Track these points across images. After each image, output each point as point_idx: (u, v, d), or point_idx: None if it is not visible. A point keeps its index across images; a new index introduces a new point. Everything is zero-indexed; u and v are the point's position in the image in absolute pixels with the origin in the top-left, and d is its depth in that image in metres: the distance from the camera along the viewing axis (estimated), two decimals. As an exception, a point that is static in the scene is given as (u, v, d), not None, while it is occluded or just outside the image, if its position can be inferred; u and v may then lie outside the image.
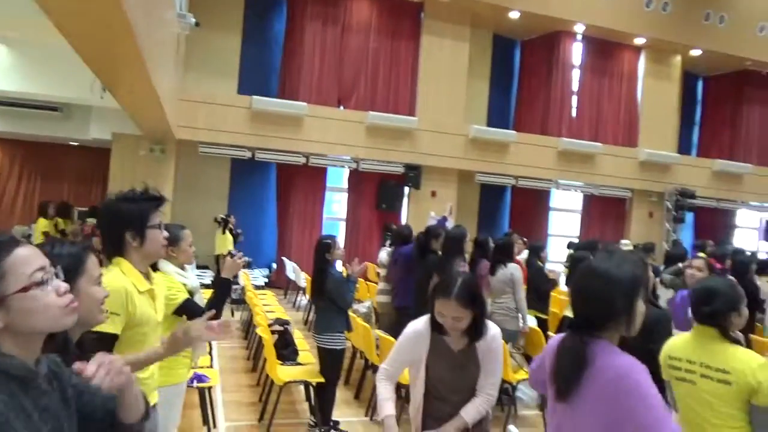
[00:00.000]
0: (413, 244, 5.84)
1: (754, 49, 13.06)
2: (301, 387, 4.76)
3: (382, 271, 6.71)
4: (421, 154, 11.21)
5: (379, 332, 4.95)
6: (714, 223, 14.31)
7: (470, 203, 12.39)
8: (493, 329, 2.33)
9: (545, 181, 12.32)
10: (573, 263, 5.95)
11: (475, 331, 2.25)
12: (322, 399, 4.23)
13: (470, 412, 2.30)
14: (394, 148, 11.05)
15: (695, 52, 12.97)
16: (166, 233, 2.24)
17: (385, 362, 2.45)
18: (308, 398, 4.56)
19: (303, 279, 8.83)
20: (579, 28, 12.25)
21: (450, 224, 7.12)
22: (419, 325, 2.37)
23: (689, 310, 4.10)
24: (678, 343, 2.43)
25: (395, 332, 5.58)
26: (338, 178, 12.05)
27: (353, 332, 4.87)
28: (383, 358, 4.65)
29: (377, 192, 11.35)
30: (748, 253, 8.65)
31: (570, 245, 10.88)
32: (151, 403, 2.15)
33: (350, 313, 4.56)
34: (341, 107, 11.20)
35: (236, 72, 10.94)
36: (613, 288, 1.64)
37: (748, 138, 14.15)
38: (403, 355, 2.38)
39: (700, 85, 14.79)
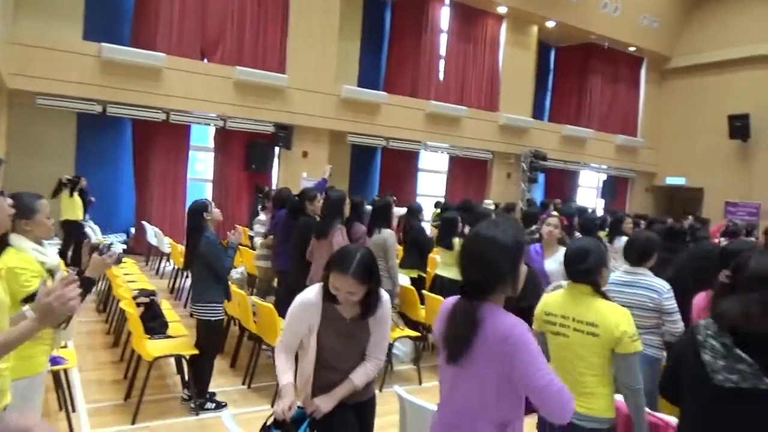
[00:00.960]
0: (286, 207, 5.70)
1: (598, 24, 14.27)
2: (172, 360, 4.48)
3: (259, 237, 6.48)
4: (292, 113, 10.90)
5: (256, 299, 4.78)
6: (561, 183, 15.72)
7: (342, 164, 12.36)
8: (384, 295, 2.33)
9: (414, 142, 12.63)
10: (443, 223, 6.21)
11: (369, 306, 2.26)
12: (197, 372, 4.01)
13: (360, 377, 2.31)
14: (264, 107, 10.61)
15: (550, 24, 13.87)
16: (10, 200, 1.90)
17: (281, 335, 2.39)
18: (180, 371, 4.31)
19: (167, 244, 8.29)
20: (447, -7, 12.52)
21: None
22: (310, 294, 2.31)
23: (544, 263, 4.47)
24: (553, 300, 2.58)
25: (280, 298, 5.51)
26: (203, 137, 11.35)
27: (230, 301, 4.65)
28: (261, 326, 4.56)
29: (246, 152, 10.88)
30: (590, 211, 9.62)
31: (437, 204, 11.41)
32: (2, 406, 1.84)
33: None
34: (205, 60, 10.46)
35: (81, 15, 9.72)
36: (500, 253, 1.73)
37: (591, 106, 15.57)
38: (296, 326, 2.31)
39: (552, 54, 15.92)
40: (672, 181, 16.21)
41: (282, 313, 3.25)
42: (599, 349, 2.38)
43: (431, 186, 13.98)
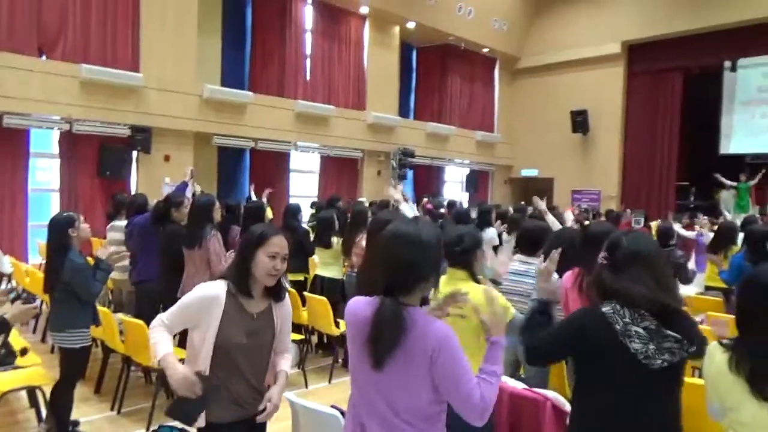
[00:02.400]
0: (149, 213, 5.30)
1: (455, 26, 15.02)
2: (23, 393, 3.95)
3: (113, 247, 5.94)
4: (149, 114, 10.15)
5: (123, 316, 4.38)
6: (429, 179, 16.36)
7: (208, 167, 11.78)
8: (286, 283, 2.40)
9: (284, 143, 12.39)
10: (319, 222, 6.15)
11: (279, 290, 2.27)
12: (57, 403, 3.57)
13: (287, 363, 2.35)
14: (117, 108, 9.77)
15: (410, 25, 14.33)
16: None
17: (164, 315, 2.21)
18: (34, 404, 3.82)
19: (7, 264, 7.34)
20: (309, -9, 12.42)
21: (191, 189, 6.62)
22: (215, 289, 2.19)
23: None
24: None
25: (137, 309, 5.08)
26: (45, 143, 10.19)
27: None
28: (130, 344, 4.17)
29: (99, 157, 9.94)
30: (458, 204, 10.08)
31: (313, 204, 11.31)
32: None
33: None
34: (44, 57, 9.40)
35: None
36: (424, 253, 1.71)
37: (451, 104, 16.36)
38: (187, 314, 2.19)
39: (414, 55, 16.49)
40: (526, 172, 17.56)
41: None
42: (469, 331, 2.47)
43: (304, 186, 13.82)
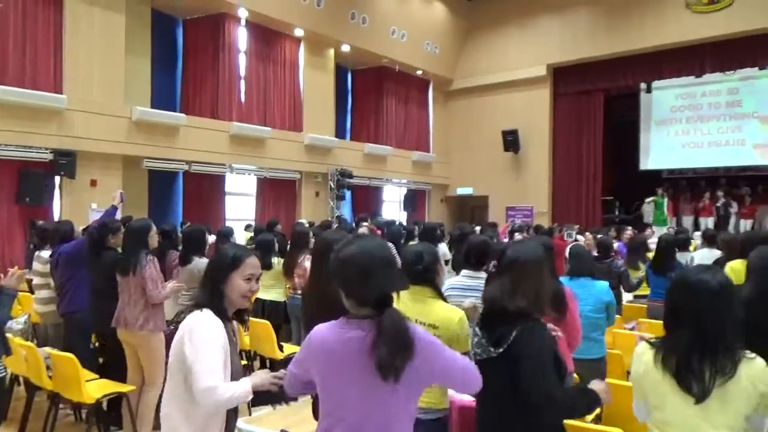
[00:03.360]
0: (83, 241, 5.01)
1: (389, 49, 15.30)
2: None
3: (38, 278, 5.58)
4: (74, 138, 9.69)
5: (50, 350, 4.09)
6: (368, 199, 16.42)
7: (139, 191, 11.33)
8: None
9: (219, 165, 12.12)
10: (259, 245, 6.02)
11: (246, 314, 2.27)
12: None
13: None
14: (38, 131, 9.27)
15: (345, 47, 14.47)
16: None
17: (209, 376, 1.98)
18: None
19: None
20: (242, 13, 12.31)
21: (120, 214, 6.33)
22: (215, 322, 2.07)
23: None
24: (401, 305, 2.66)
25: (67, 341, 4.77)
26: (-43, 169, 9.50)
27: (12, 356, 3.90)
28: (59, 380, 3.89)
29: (18, 183, 9.37)
30: (397, 223, 10.15)
31: (248, 227, 11.08)
32: None
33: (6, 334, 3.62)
34: (-45, 78, 8.81)
35: None
36: (391, 270, 1.77)
37: (387, 125, 16.56)
38: (218, 354, 2.05)
39: (349, 77, 16.63)
40: (462, 191, 17.96)
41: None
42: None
43: (240, 209, 13.53)
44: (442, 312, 2.58)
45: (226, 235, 6.00)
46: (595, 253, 5.75)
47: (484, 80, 17.02)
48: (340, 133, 15.50)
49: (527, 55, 16.15)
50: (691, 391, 1.83)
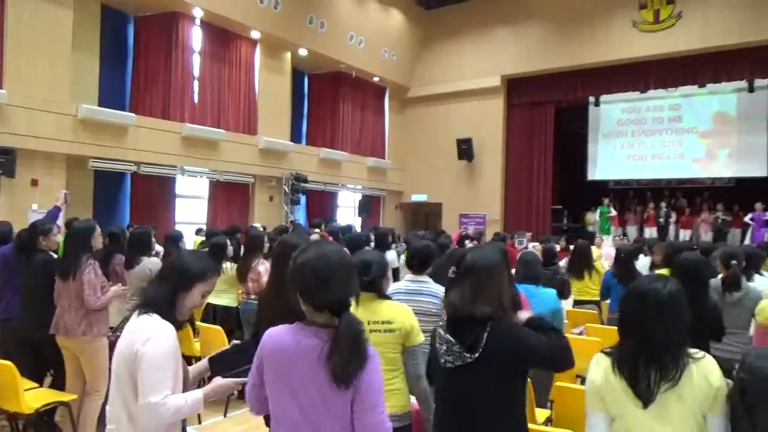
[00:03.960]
0: (12, 243, 4.78)
1: (346, 55, 15.30)
2: None
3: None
4: (14, 135, 9.24)
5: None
6: (323, 204, 16.33)
7: (83, 192, 10.90)
8: None
9: (169, 167, 11.80)
10: (212, 248, 5.88)
11: (183, 325, 2.22)
12: None
13: None
14: (-25, 127, 8.82)
15: (302, 51, 14.38)
16: None
17: (163, 389, 1.96)
18: None
19: None
20: (197, 13, 12.07)
21: (63, 215, 6.07)
22: (167, 327, 2.02)
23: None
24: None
25: (3, 349, 4.51)
26: None
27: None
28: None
29: (-48, 182, 8.88)
30: (354, 229, 10.12)
31: (199, 231, 10.82)
32: None
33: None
34: None
35: None
36: (349, 276, 1.77)
37: (343, 130, 16.54)
38: (175, 367, 2.04)
39: (306, 81, 16.53)
40: (416, 198, 18.10)
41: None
42: (394, 344, 2.57)
43: (191, 212, 13.21)
44: (392, 308, 2.62)
45: (174, 239, 5.83)
46: (565, 260, 5.90)
47: (440, 89, 17.24)
48: (295, 137, 15.38)
49: (482, 66, 16.47)
50: (641, 396, 1.87)
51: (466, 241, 8.61)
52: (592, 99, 16.51)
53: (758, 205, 13.17)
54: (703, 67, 13.88)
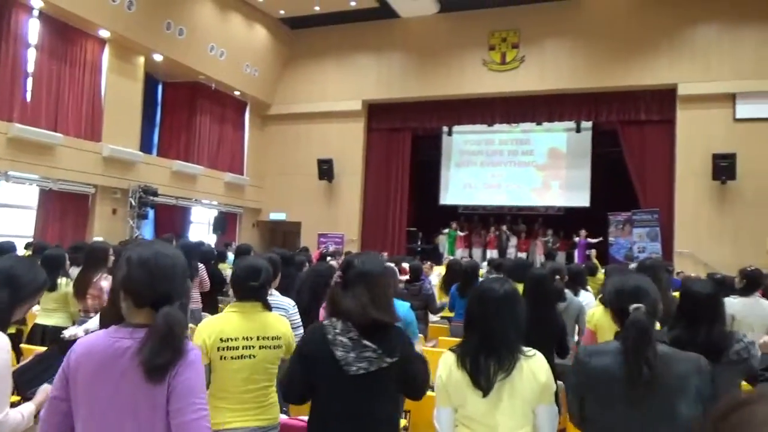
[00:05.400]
0: None
1: (206, 66, 14.74)
2: None
3: None
4: None
5: None
6: (173, 219, 15.38)
7: None
8: None
9: (-8, 171, 10.38)
10: (44, 261, 5.23)
11: None
12: None
13: None
14: None
15: (157, 57, 13.58)
16: None
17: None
18: None
19: None
20: (36, 3, 10.88)
21: None
22: (7, 343, 1.91)
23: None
24: (227, 325, 2.55)
25: None
26: None
27: None
28: None
29: None
30: (206, 245, 9.67)
31: (28, 246, 9.59)
32: None
33: None
34: None
35: None
36: (171, 278, 1.65)
37: (200, 143, 15.83)
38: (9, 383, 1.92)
39: (160, 89, 15.60)
40: (275, 216, 17.79)
41: None
42: (277, 359, 2.59)
43: (15, 224, 11.69)
44: (278, 324, 2.62)
45: (8, 249, 5.10)
46: (407, 278, 6.09)
47: (302, 108, 17.26)
48: (145, 147, 14.38)
49: (345, 89, 16.80)
50: (480, 385, 2.08)
51: (328, 258, 8.62)
52: (445, 129, 17.58)
53: (582, 232, 14.89)
54: (540, 106, 15.49)
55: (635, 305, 1.98)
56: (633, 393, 1.93)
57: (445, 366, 2.16)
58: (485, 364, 2.07)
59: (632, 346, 1.93)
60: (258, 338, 2.51)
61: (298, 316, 3.47)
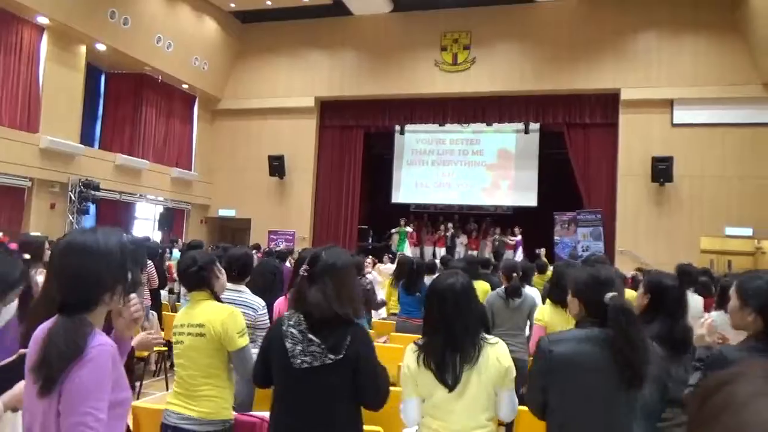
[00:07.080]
0: None
1: (152, 57, 14.29)
2: None
3: None
4: None
5: None
6: (116, 215, 14.85)
7: None
8: None
9: None
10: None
11: None
12: None
13: None
14: None
15: (100, 47, 13.07)
16: None
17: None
18: None
19: None
20: (-34, -17, 10.30)
21: None
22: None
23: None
24: (180, 313, 2.67)
25: None
26: None
27: None
28: None
29: None
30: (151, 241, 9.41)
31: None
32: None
33: None
34: None
35: None
36: (103, 261, 1.53)
37: (145, 137, 15.34)
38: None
39: (103, 79, 15.02)
40: (224, 212, 17.45)
41: None
42: (207, 349, 2.51)
43: (-57, 219, 11.04)
44: (209, 310, 2.57)
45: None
46: None
47: (254, 104, 16.98)
48: (87, 139, 13.83)
49: (297, 85, 16.64)
50: (447, 382, 2.13)
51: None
52: (397, 127, 17.66)
53: (516, 230, 15.55)
54: (490, 107, 15.77)
55: (611, 294, 2.02)
56: (609, 380, 1.95)
57: (412, 357, 2.21)
58: (451, 360, 2.13)
59: (623, 330, 1.94)
60: (187, 325, 2.55)
61: (266, 318, 3.37)
